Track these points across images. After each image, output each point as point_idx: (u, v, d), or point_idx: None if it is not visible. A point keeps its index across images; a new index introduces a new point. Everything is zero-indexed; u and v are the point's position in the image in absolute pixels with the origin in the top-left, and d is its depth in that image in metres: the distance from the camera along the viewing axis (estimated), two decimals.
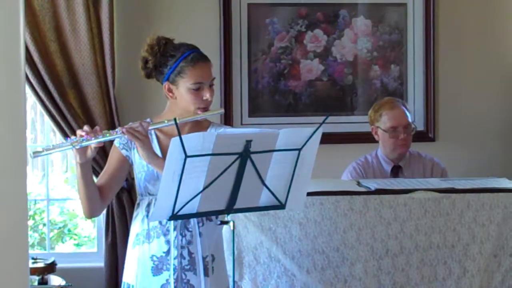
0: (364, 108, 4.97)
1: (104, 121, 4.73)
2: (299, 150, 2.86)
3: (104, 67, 4.76)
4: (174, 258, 3.10)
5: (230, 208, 2.88)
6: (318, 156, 2.94)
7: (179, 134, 2.66)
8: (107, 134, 3.01)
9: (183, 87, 3.13)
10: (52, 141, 5.19)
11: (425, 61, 5.14)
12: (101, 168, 3.36)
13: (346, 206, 3.60)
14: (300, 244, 3.57)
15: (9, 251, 2.05)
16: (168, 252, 3.11)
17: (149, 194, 3.16)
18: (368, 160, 4.42)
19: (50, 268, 4.52)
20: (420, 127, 5.08)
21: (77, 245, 5.95)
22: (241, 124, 4.98)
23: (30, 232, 5.61)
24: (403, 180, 3.94)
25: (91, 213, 3.18)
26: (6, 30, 2.06)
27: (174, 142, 2.67)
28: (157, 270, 3.11)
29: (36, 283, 4.43)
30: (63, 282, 4.50)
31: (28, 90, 4.65)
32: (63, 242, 5.96)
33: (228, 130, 3.20)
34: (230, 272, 3.18)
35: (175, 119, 2.78)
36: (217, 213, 2.94)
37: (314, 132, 2.86)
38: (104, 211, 4.78)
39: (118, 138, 3.15)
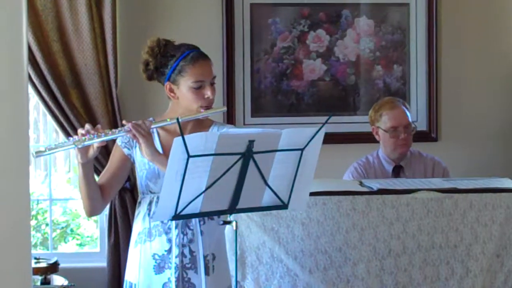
0: (367, 108, 4.96)
1: (107, 121, 4.73)
2: (302, 150, 2.86)
3: (107, 67, 4.76)
4: (176, 257, 3.10)
5: (233, 208, 2.88)
6: (320, 156, 2.94)
7: (182, 134, 2.66)
8: (109, 132, 3.01)
9: (184, 86, 3.13)
10: (55, 141, 5.18)
11: (427, 61, 5.13)
12: (103, 167, 3.36)
13: (348, 206, 3.60)
14: (303, 244, 3.57)
15: (11, 251, 2.06)
16: (169, 251, 3.11)
17: (151, 192, 3.17)
18: (370, 160, 4.42)
19: (53, 268, 4.52)
20: (423, 127, 5.07)
21: (80, 245, 5.95)
22: (244, 124, 4.98)
23: (32, 232, 5.61)
24: (405, 180, 3.94)
25: (92, 212, 3.19)
26: (9, 30, 2.07)
27: (177, 142, 2.67)
28: (159, 269, 3.12)
29: (38, 283, 4.43)
30: (65, 282, 4.50)
31: (30, 90, 4.65)
32: (65, 242, 5.95)
33: (231, 130, 3.19)
34: (232, 272, 3.18)
35: (177, 119, 2.77)
36: (220, 213, 2.94)
37: (317, 132, 2.86)
38: (107, 211, 4.78)
39: (120, 137, 3.15)
